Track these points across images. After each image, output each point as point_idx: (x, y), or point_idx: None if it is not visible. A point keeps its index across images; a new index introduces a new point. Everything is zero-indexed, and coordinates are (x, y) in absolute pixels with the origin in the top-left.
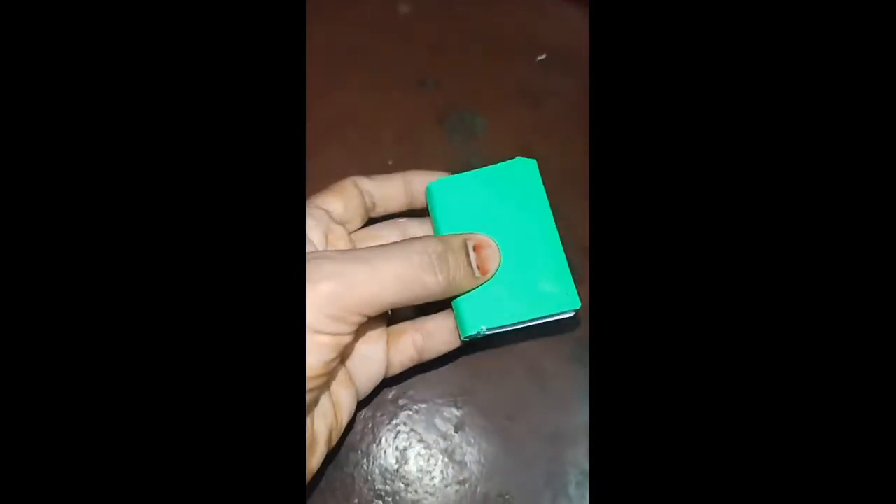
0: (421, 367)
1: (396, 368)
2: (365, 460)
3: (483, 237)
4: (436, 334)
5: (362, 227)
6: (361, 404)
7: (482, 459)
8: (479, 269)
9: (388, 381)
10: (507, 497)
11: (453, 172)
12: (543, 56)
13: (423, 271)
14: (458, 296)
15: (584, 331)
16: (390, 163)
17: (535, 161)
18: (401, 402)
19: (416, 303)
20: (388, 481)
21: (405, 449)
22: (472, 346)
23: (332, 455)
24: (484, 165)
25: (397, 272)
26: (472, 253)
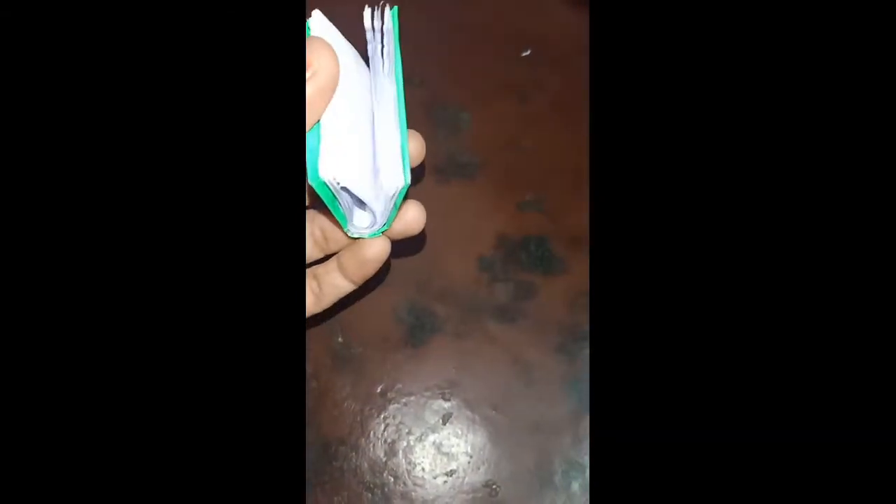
0: (408, 360)
1: None
2: (353, 453)
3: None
4: (325, 278)
5: None
6: (350, 397)
7: (469, 451)
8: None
9: (376, 375)
10: (494, 487)
11: (438, 168)
12: (528, 51)
13: None
14: None
15: (568, 322)
16: None
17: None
18: (389, 395)
19: None
20: (377, 474)
21: (393, 442)
22: (457, 337)
23: (322, 448)
24: (469, 160)
25: None
26: None
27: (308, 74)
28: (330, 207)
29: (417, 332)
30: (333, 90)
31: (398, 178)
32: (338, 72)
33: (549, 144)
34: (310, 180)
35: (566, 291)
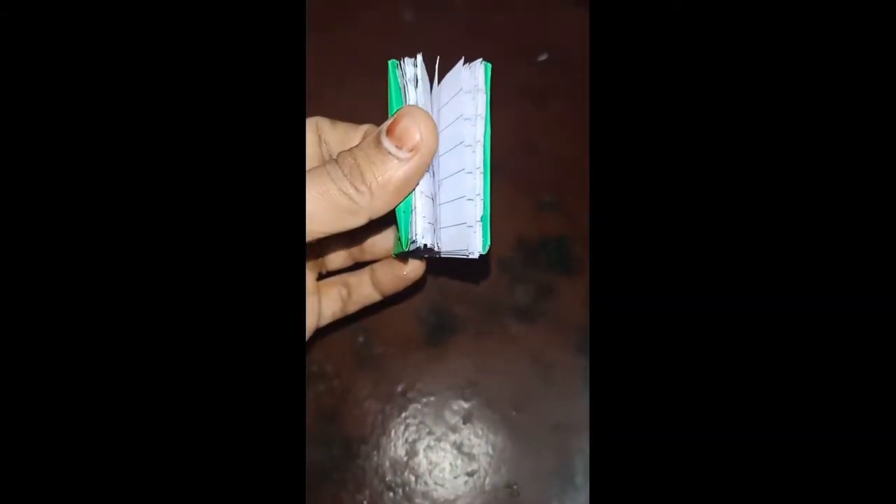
0: (428, 360)
1: (328, 318)
2: (375, 452)
3: (395, 115)
4: (357, 288)
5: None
6: (371, 396)
7: (490, 451)
8: (398, 149)
9: (397, 374)
10: (514, 487)
11: None
12: (545, 56)
13: (344, 192)
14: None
15: (587, 322)
16: None
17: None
18: (409, 395)
19: (361, 222)
20: (399, 473)
21: (415, 441)
22: (477, 338)
23: (344, 447)
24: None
25: (320, 206)
26: (385, 141)
27: (409, 147)
28: (401, 232)
29: (438, 332)
30: (429, 163)
31: (475, 242)
32: (436, 147)
33: (566, 147)
34: (402, 239)
35: (585, 292)
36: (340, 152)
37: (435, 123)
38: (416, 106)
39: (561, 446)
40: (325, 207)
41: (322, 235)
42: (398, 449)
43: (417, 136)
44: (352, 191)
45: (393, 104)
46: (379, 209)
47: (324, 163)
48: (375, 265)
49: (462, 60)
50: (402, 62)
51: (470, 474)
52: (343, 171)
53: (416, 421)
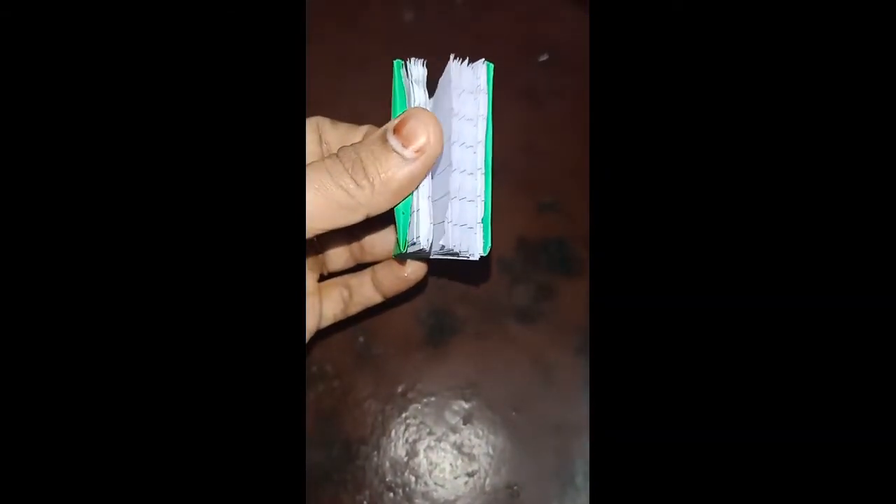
0: (428, 361)
1: (329, 320)
2: (375, 453)
3: (402, 115)
4: (358, 289)
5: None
6: (371, 397)
7: (490, 451)
8: (404, 148)
9: (397, 375)
10: (515, 488)
11: None
12: (545, 57)
13: (342, 187)
14: (407, 195)
15: (588, 323)
16: None
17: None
18: (409, 395)
19: (358, 219)
20: (399, 473)
21: (415, 442)
22: (477, 338)
23: (344, 447)
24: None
25: (317, 201)
26: (391, 139)
27: (415, 147)
28: (399, 234)
29: (438, 332)
30: (432, 166)
31: (476, 243)
32: (441, 151)
33: (567, 147)
34: (400, 241)
35: (586, 292)
36: (342, 147)
37: (441, 127)
38: (423, 108)
39: (561, 447)
40: (323, 203)
41: (319, 232)
42: (398, 449)
43: (423, 138)
44: (351, 186)
45: (397, 104)
46: (379, 206)
47: (322, 159)
48: (376, 266)
49: (452, 56)
50: (407, 62)
51: (470, 475)
52: (344, 166)
53: (417, 421)
